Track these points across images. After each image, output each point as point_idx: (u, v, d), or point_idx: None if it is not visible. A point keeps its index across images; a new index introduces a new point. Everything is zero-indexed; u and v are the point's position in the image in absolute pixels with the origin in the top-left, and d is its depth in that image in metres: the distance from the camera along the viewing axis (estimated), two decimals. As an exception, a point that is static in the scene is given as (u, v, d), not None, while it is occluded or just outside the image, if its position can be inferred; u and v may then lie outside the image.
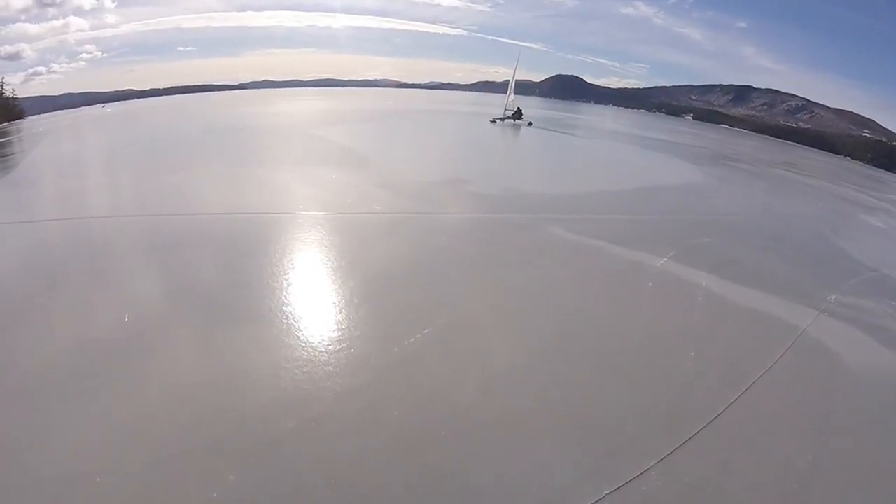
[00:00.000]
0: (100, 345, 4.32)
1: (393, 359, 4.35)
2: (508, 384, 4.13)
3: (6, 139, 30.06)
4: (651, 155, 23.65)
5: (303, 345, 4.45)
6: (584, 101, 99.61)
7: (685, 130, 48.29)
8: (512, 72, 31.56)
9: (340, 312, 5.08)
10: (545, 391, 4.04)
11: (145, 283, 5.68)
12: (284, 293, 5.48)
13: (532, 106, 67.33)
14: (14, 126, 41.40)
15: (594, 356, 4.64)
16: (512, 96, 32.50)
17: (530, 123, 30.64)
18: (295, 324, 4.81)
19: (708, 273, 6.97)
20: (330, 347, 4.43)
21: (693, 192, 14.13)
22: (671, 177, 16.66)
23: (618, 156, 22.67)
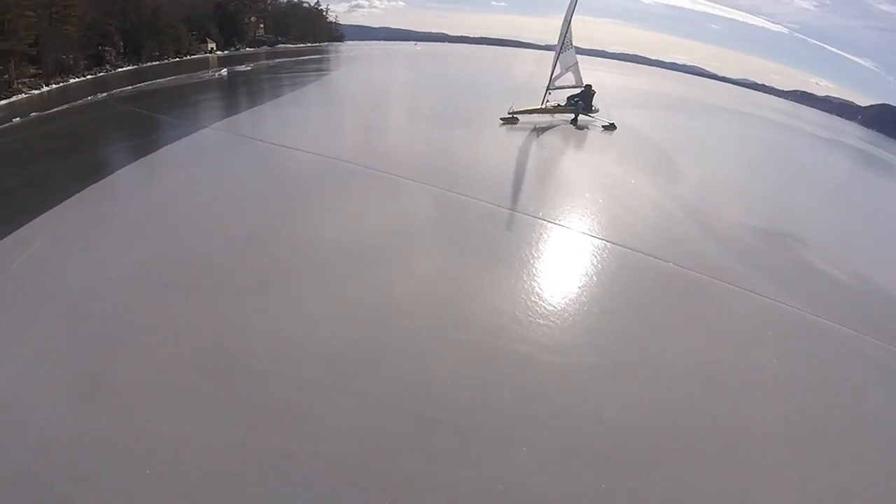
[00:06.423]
0: (345, 247, 6.51)
1: None
2: None
3: (323, 55, 37.12)
4: None
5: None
6: (911, 145, 67.88)
7: None
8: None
9: None
10: None
11: (389, 224, 7.42)
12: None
13: (850, 133, 41.71)
14: (333, 46, 50.70)
15: None
16: (573, 59, 16.13)
17: (613, 126, 16.08)
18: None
19: None
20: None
21: None
22: None
23: None
